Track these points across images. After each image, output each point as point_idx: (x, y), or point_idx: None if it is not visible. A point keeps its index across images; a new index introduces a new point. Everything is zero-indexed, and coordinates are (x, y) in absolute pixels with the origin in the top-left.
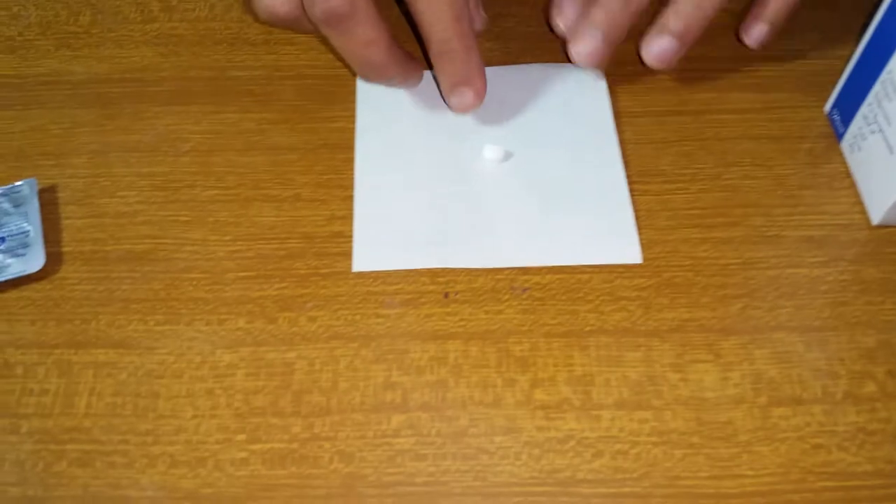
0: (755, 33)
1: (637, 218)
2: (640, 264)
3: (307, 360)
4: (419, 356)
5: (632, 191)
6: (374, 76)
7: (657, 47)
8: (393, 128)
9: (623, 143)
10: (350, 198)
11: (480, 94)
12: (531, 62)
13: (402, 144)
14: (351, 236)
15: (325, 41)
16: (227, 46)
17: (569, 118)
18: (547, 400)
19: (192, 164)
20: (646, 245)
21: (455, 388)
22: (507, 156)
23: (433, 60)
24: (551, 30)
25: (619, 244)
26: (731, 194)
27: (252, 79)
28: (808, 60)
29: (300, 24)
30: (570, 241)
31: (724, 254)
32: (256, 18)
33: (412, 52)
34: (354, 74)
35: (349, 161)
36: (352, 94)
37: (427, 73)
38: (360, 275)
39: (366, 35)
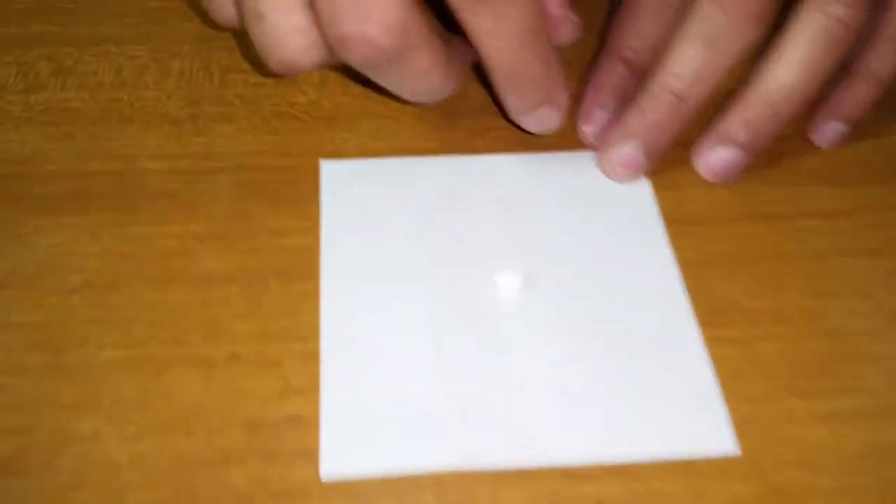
0: (828, 132)
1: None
2: (734, 458)
3: None
4: None
5: (704, 338)
6: (430, 99)
7: (717, 159)
8: (373, 246)
9: (680, 262)
10: (312, 356)
11: (562, 110)
12: (550, 147)
13: (387, 272)
14: (314, 420)
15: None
16: (140, 125)
17: (605, 229)
18: None
19: (84, 307)
20: (735, 426)
21: None
22: (529, 280)
23: (497, 87)
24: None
25: (704, 427)
26: (835, 342)
27: (173, 172)
28: None
29: (326, 66)
30: (633, 423)
31: (844, 437)
32: (267, 73)
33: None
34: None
35: (310, 296)
36: (312, 191)
37: (412, 161)
38: (331, 490)
39: (422, 63)
